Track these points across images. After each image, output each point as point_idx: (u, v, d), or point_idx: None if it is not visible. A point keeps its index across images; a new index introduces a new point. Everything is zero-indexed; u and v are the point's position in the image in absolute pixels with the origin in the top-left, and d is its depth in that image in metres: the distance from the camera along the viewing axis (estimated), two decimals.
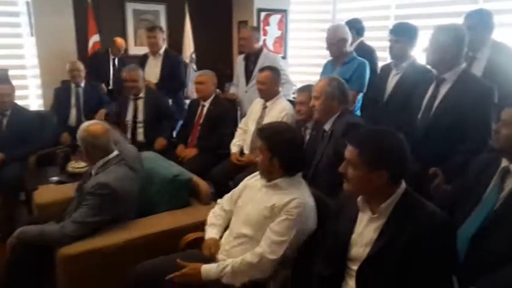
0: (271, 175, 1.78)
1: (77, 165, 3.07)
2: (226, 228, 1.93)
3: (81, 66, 4.11)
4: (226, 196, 2.01)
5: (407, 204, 1.35)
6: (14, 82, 4.13)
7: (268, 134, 1.79)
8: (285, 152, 1.74)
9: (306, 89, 2.78)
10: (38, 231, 1.99)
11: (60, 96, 4.11)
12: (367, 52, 3.58)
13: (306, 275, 1.62)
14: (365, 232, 1.41)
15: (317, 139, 2.46)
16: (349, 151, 1.38)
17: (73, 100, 4.07)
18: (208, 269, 1.69)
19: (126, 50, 5.00)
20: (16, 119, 3.40)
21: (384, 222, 1.36)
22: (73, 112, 4.08)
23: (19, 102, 3.65)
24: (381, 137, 1.38)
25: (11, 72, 4.69)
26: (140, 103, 3.68)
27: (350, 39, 3.24)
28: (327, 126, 2.37)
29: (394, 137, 1.37)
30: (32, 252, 1.98)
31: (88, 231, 1.99)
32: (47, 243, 1.97)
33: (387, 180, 1.33)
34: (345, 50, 3.19)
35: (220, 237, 1.89)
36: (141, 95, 3.67)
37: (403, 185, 1.38)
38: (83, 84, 4.09)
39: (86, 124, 2.18)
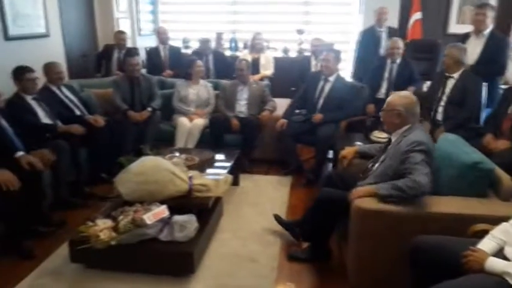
0: None
1: (379, 135, 3.36)
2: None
3: (401, 43, 4.30)
4: None
5: None
6: None
7: None
8: None
9: None
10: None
11: (374, 71, 4.43)
12: None
13: None
14: None
15: None
16: None
17: (386, 74, 4.33)
18: (494, 262, 1.63)
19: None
20: (337, 87, 3.93)
21: None
22: (384, 85, 4.34)
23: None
24: None
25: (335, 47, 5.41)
26: (450, 83, 3.58)
27: None
28: None
29: None
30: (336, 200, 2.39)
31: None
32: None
33: None
34: None
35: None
36: (454, 75, 3.57)
37: None
38: (398, 61, 4.30)
39: (405, 93, 2.53)
